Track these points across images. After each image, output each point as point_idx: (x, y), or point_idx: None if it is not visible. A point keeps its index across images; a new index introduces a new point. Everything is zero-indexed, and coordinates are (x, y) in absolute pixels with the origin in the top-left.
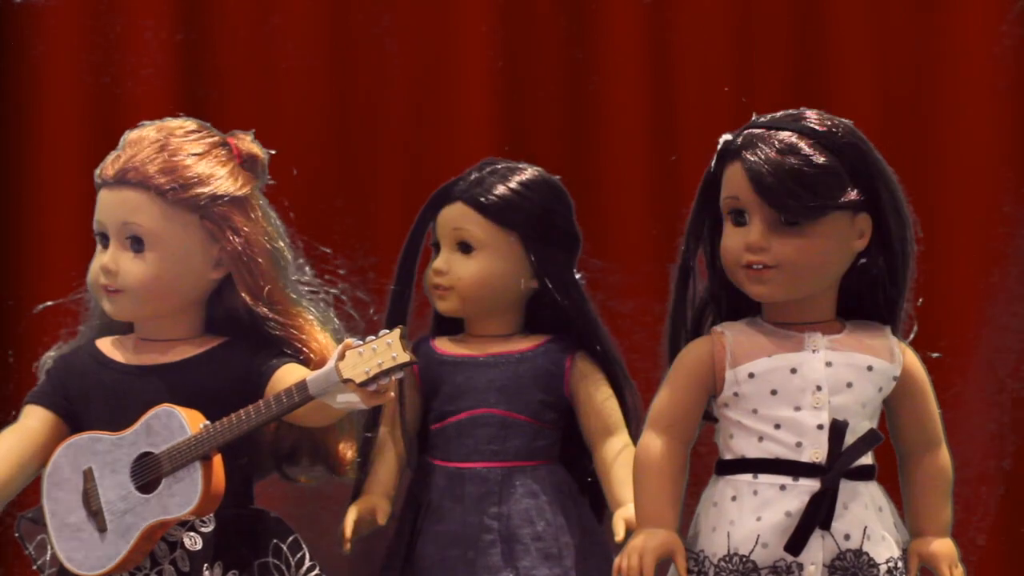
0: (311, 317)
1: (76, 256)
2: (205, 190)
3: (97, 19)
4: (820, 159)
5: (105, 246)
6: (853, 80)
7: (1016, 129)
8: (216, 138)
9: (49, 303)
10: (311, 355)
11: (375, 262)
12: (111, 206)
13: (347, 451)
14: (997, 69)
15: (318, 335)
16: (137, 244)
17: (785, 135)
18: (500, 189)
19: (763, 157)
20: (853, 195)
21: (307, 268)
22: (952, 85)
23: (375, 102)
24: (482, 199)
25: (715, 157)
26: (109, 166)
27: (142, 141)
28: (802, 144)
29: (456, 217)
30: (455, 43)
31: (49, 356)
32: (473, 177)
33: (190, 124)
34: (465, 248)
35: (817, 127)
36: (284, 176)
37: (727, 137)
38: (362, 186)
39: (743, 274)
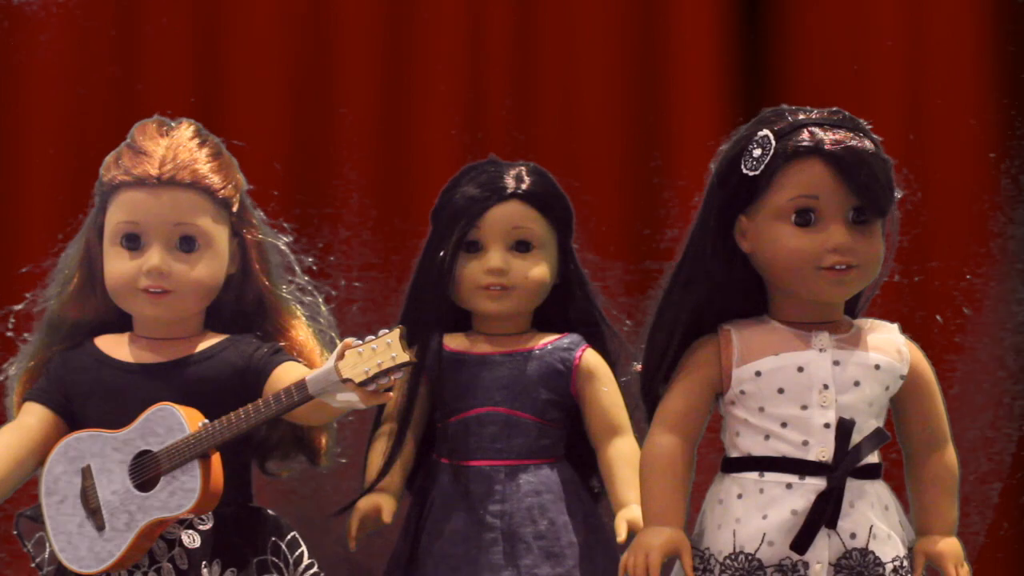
0: (298, 313)
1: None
2: (239, 187)
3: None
4: (886, 156)
5: (133, 248)
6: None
7: (1001, 127)
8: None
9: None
10: (292, 350)
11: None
12: (157, 207)
13: (325, 440)
14: (981, 74)
15: (302, 331)
16: (188, 244)
17: (849, 134)
18: (546, 186)
19: (849, 153)
20: (898, 196)
21: (294, 264)
22: (942, 89)
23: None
24: (541, 197)
25: (764, 157)
26: (144, 166)
27: (178, 141)
28: (867, 142)
29: (514, 215)
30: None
31: (10, 365)
32: (514, 175)
33: (192, 123)
34: (523, 247)
35: (869, 128)
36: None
37: (767, 134)
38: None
39: (820, 276)
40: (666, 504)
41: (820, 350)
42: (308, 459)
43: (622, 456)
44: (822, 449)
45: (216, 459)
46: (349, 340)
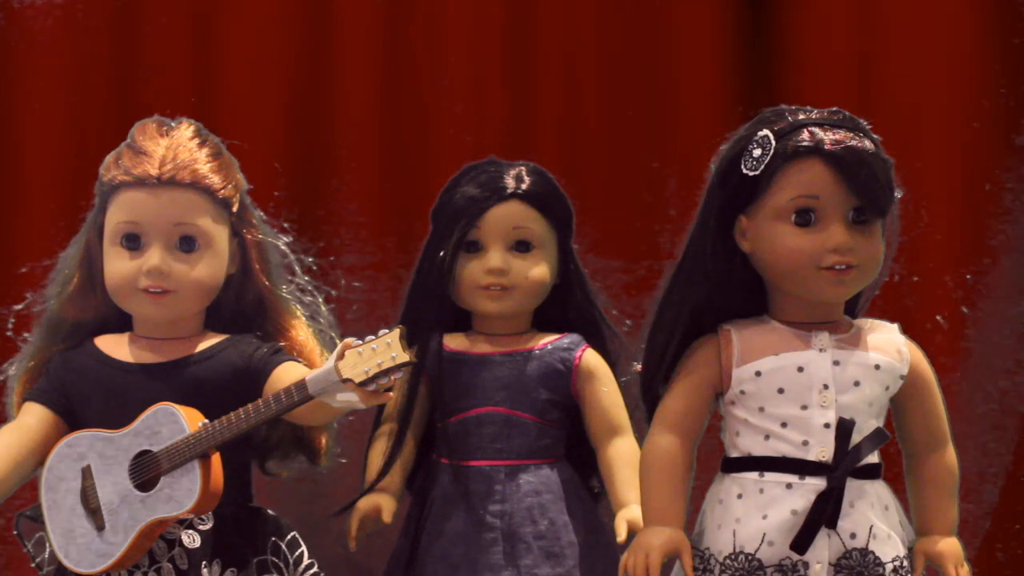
0: (298, 313)
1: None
2: (239, 187)
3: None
4: (886, 156)
5: (133, 248)
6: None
7: (999, 127)
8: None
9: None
10: (292, 350)
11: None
12: (157, 207)
13: (325, 440)
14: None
15: (302, 331)
16: (188, 244)
17: (849, 134)
18: (546, 186)
19: (849, 153)
20: (898, 196)
21: (295, 264)
22: (942, 89)
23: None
24: (541, 197)
25: (764, 157)
26: (144, 166)
27: (178, 141)
28: (867, 142)
29: (515, 215)
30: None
31: (10, 365)
32: (514, 175)
33: (192, 123)
34: (523, 247)
35: (869, 128)
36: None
37: (767, 134)
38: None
39: (820, 276)
40: (666, 504)
41: (820, 350)
42: (308, 459)
43: (622, 456)
44: (822, 449)
45: (216, 459)
46: (349, 340)
